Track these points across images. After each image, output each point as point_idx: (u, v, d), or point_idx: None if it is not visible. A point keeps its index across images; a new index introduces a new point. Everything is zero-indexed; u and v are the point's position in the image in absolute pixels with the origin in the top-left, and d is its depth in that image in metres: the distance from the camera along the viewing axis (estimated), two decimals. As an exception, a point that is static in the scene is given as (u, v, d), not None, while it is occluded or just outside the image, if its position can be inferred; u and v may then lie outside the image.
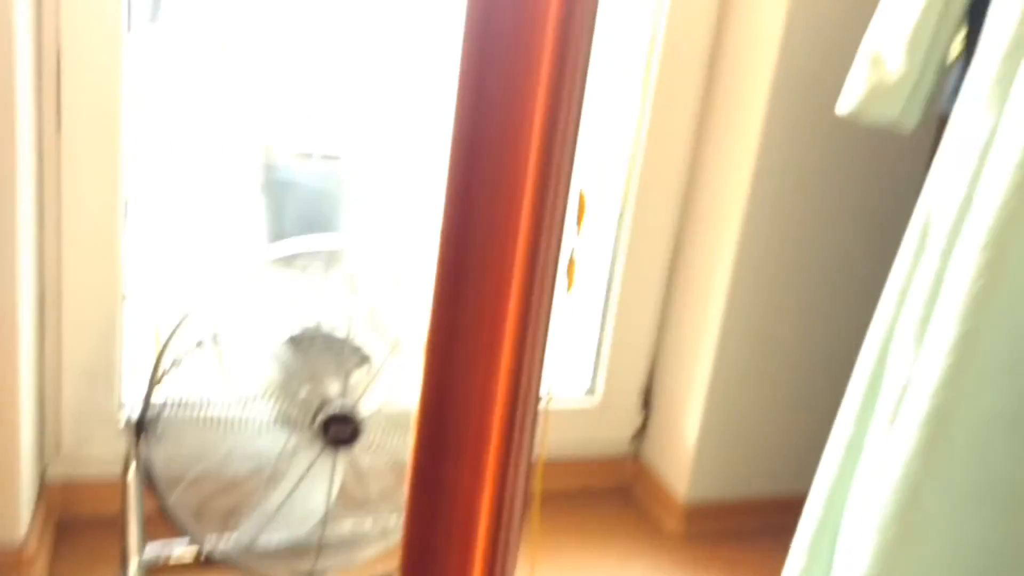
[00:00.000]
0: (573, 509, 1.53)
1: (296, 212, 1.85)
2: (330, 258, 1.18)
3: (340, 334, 1.17)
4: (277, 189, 1.83)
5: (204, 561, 1.19)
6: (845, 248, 1.42)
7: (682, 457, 1.49)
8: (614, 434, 1.58)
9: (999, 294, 0.76)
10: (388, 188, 1.88)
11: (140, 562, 1.12)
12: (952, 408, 0.81)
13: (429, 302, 1.09)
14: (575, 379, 1.57)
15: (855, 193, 1.39)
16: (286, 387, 1.11)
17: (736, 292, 1.39)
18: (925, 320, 0.85)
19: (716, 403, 1.44)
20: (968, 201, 0.84)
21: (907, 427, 0.86)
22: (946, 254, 0.86)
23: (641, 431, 1.59)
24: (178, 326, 1.07)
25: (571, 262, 0.70)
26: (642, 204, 1.45)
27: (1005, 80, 0.80)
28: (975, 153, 0.83)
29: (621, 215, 1.47)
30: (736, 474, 1.51)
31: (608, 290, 1.51)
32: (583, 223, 0.68)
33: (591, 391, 1.56)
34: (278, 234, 1.85)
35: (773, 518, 1.39)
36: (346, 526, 1.22)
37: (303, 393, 1.12)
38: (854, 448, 0.96)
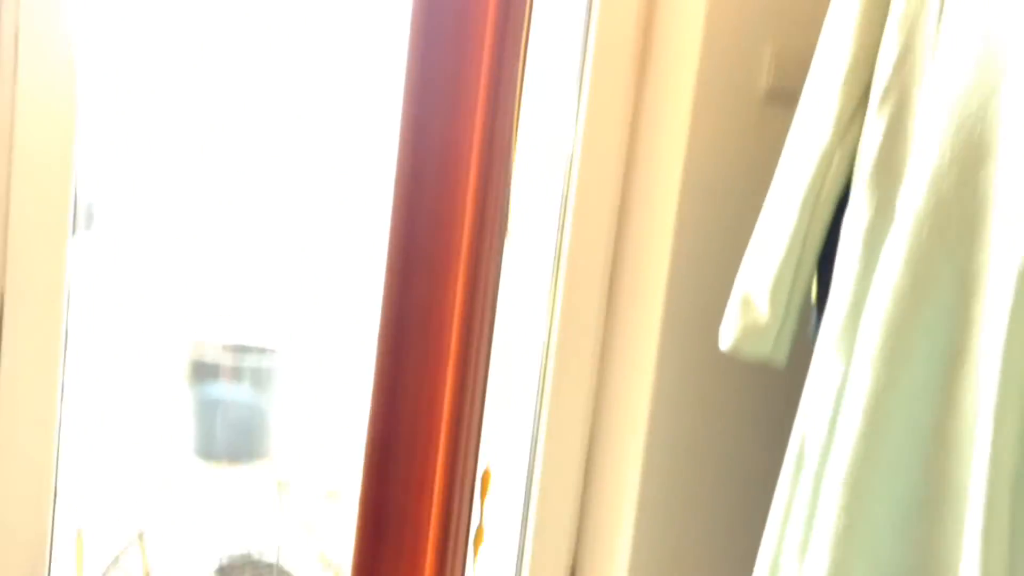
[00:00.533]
0: None
1: (229, 409, 1.89)
2: (262, 480, 1.24)
3: (269, 559, 1.21)
4: (210, 387, 1.87)
5: None
6: (744, 457, 1.52)
7: (608, 639, 1.53)
8: (543, 617, 1.62)
9: (859, 530, 0.86)
10: (322, 382, 1.94)
11: None
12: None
13: (354, 529, 1.15)
14: (502, 565, 1.62)
15: (749, 411, 1.51)
16: (216, 620, 1.14)
17: (648, 487, 1.48)
18: (804, 544, 0.94)
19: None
20: (831, 434, 0.94)
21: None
22: (818, 479, 0.96)
23: (569, 612, 1.64)
24: (110, 566, 1.10)
25: (479, 531, 0.77)
26: (556, 414, 1.56)
27: (849, 334, 0.92)
28: (832, 394, 0.94)
29: (537, 414, 1.57)
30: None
31: (529, 481, 1.59)
32: (487, 496, 0.75)
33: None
34: (212, 434, 1.88)
35: None
36: None
37: (233, 624, 1.15)
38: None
